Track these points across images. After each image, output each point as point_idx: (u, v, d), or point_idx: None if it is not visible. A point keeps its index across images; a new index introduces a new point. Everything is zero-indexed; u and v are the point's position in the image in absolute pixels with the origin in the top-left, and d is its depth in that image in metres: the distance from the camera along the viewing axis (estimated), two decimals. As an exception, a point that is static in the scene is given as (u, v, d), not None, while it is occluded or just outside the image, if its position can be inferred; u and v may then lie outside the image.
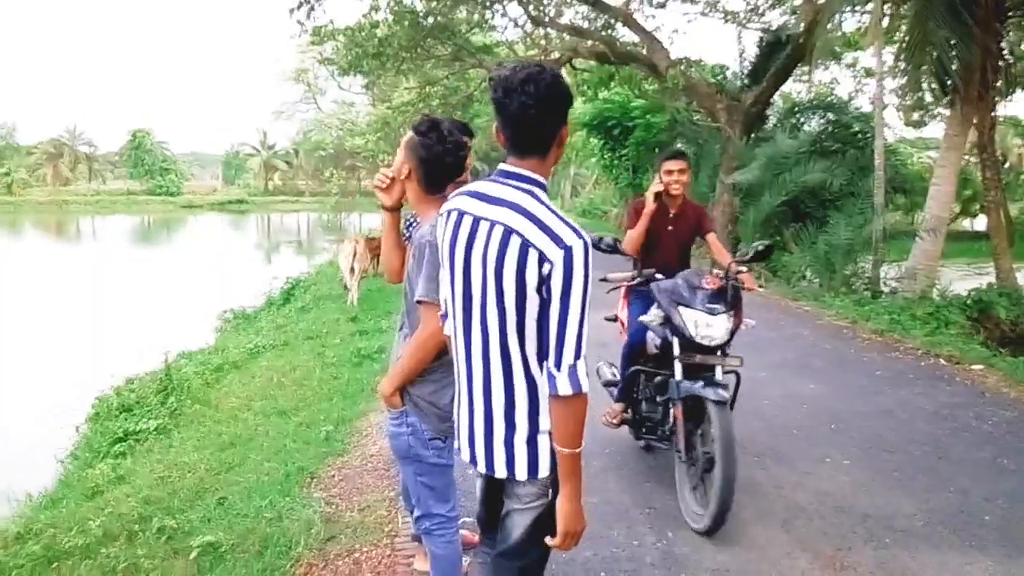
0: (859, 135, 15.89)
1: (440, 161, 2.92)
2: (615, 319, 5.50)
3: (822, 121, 17.53)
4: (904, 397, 6.75)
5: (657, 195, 5.02)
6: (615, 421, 5.06)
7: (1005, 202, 23.76)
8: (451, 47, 18.75)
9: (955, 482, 4.92)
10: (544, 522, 2.29)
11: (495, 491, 2.43)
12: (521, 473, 2.26)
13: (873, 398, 6.69)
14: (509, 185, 2.19)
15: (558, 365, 2.09)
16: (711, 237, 5.20)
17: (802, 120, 17.48)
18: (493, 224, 2.14)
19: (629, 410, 5.07)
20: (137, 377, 9.06)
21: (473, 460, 2.35)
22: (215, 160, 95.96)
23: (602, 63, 18.50)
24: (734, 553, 4.00)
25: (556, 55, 18.95)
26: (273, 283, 15.96)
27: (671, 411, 4.55)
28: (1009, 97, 26.76)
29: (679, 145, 18.12)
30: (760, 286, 5.56)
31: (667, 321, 4.45)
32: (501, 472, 2.28)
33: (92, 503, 5.24)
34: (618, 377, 5.21)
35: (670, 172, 4.99)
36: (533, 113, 2.14)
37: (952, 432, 5.88)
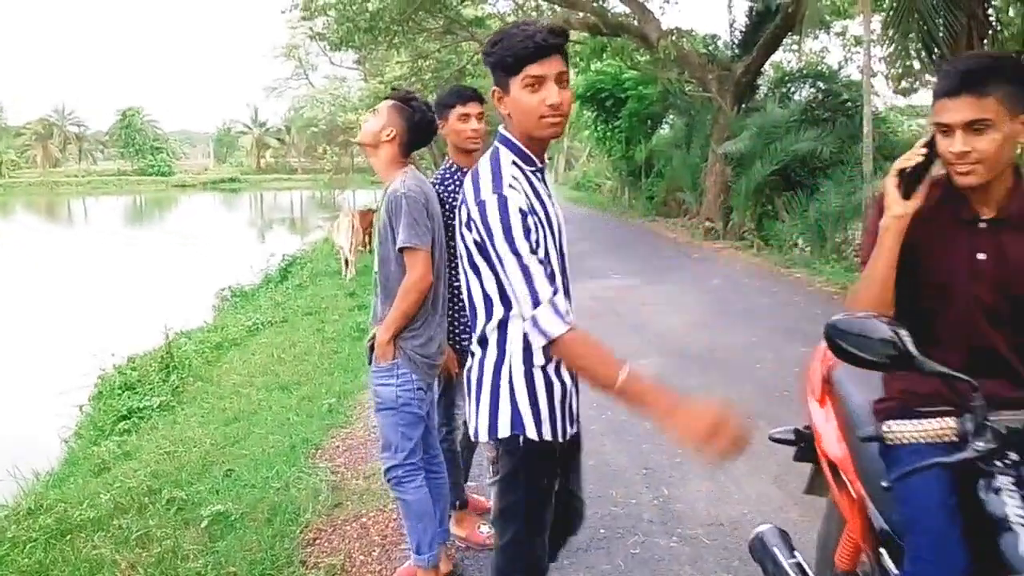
0: (849, 103, 15.92)
1: (428, 127, 3.24)
2: (795, 442, 2.65)
3: (812, 90, 17.60)
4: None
5: (918, 168, 2.03)
6: None
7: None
8: (443, 20, 18.72)
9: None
10: (502, 493, 2.25)
11: None
12: (482, 434, 2.25)
13: (863, 362, 6.82)
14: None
15: (524, 320, 2.05)
16: None
17: (792, 89, 17.52)
18: None
19: None
20: (138, 356, 9.17)
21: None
22: (206, 138, 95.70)
23: (594, 34, 18.46)
24: (729, 507, 4.14)
25: (547, 27, 18.91)
26: (270, 261, 16.07)
27: None
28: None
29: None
30: None
31: None
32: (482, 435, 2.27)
33: (100, 479, 5.36)
34: None
35: (946, 131, 1.97)
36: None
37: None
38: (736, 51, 17.79)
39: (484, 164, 2.11)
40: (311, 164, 68.63)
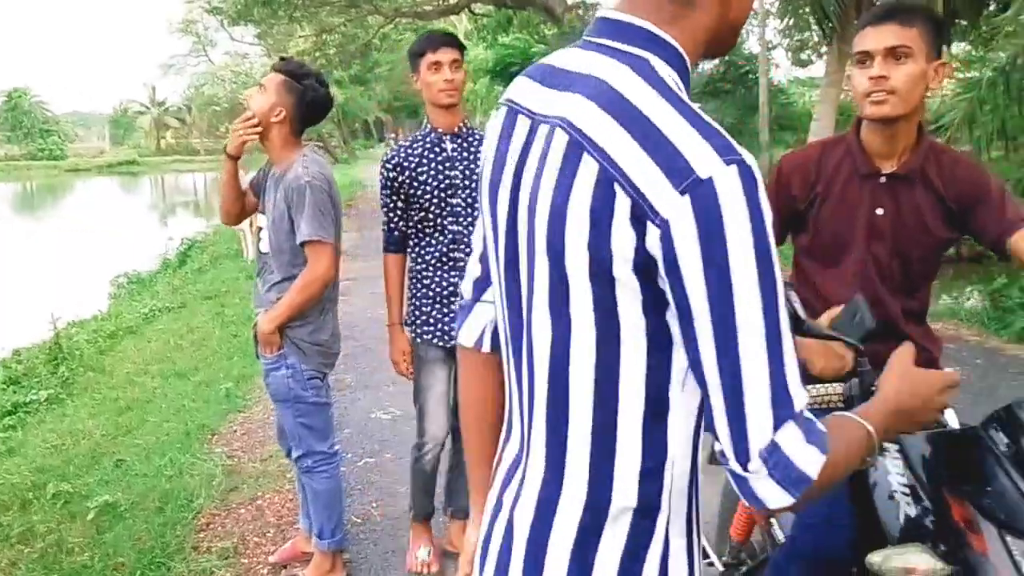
0: (750, 75, 16.32)
1: (322, 104, 3.04)
2: None
3: (716, 62, 17.93)
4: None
5: None
6: None
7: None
8: (346, -8, 18.31)
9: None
10: None
11: None
12: None
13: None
14: (600, 47, 1.04)
15: (742, 451, 0.96)
16: None
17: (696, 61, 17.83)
18: (553, 128, 1.03)
19: None
20: (24, 349, 8.74)
21: None
22: (101, 120, 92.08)
23: (500, 7, 18.40)
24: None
25: (454, 0, 18.76)
26: (168, 245, 15.56)
27: None
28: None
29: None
30: None
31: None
32: None
33: (-19, 479, 5.11)
34: None
35: (866, 59, 1.96)
36: None
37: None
38: (639, 24, 17.99)
39: (641, 89, 0.96)
40: (214, 144, 66.43)
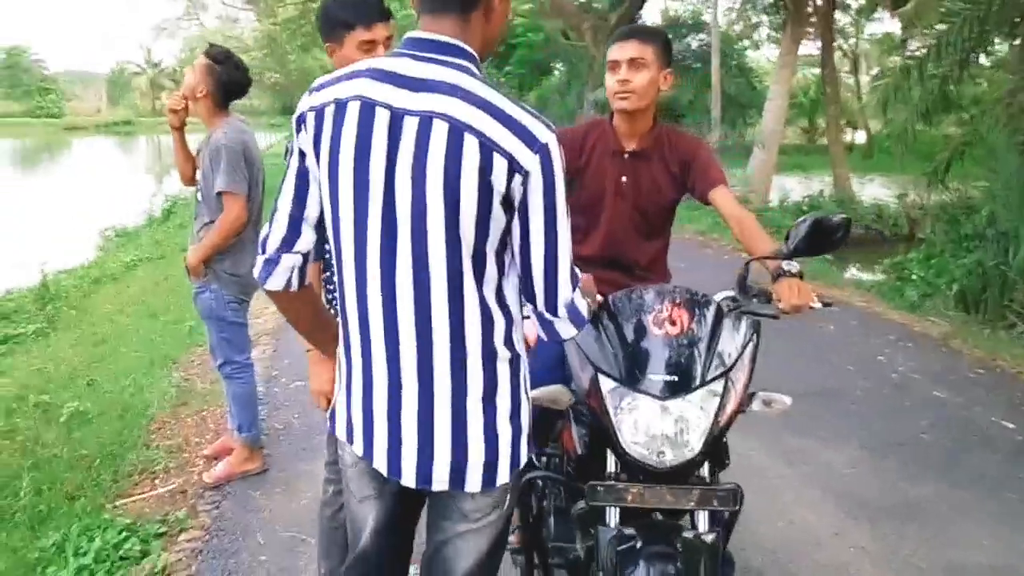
0: (723, 55, 16.90)
1: (238, 84, 3.77)
2: None
3: (689, 40, 18.50)
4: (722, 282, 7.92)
5: None
6: None
7: (864, 116, 25.66)
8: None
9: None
10: (500, 544, 1.82)
11: (410, 510, 1.90)
12: (474, 483, 1.67)
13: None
14: (432, 60, 1.56)
15: (553, 306, 1.65)
16: (721, 195, 2.66)
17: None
18: (428, 119, 1.50)
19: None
20: (16, 291, 9.50)
21: (395, 471, 1.69)
22: (98, 79, 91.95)
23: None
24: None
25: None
26: (153, 202, 16.28)
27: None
28: (871, 17, 28.00)
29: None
30: (827, 304, 2.22)
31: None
32: (441, 484, 1.67)
33: (-29, 394, 5.88)
34: None
35: (615, 66, 2.64)
36: None
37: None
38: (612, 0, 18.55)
39: (486, 90, 1.55)
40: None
